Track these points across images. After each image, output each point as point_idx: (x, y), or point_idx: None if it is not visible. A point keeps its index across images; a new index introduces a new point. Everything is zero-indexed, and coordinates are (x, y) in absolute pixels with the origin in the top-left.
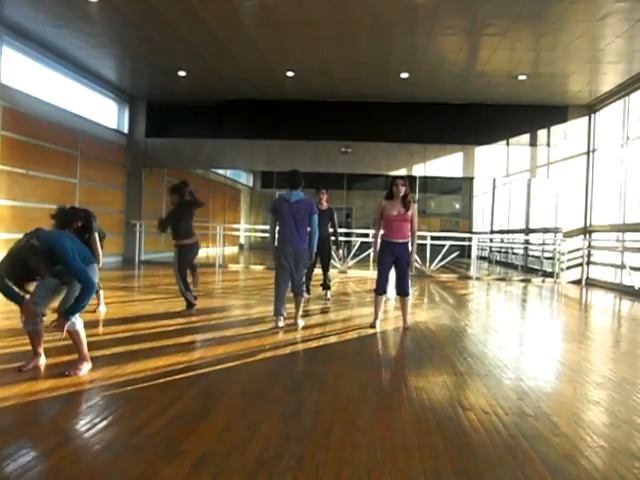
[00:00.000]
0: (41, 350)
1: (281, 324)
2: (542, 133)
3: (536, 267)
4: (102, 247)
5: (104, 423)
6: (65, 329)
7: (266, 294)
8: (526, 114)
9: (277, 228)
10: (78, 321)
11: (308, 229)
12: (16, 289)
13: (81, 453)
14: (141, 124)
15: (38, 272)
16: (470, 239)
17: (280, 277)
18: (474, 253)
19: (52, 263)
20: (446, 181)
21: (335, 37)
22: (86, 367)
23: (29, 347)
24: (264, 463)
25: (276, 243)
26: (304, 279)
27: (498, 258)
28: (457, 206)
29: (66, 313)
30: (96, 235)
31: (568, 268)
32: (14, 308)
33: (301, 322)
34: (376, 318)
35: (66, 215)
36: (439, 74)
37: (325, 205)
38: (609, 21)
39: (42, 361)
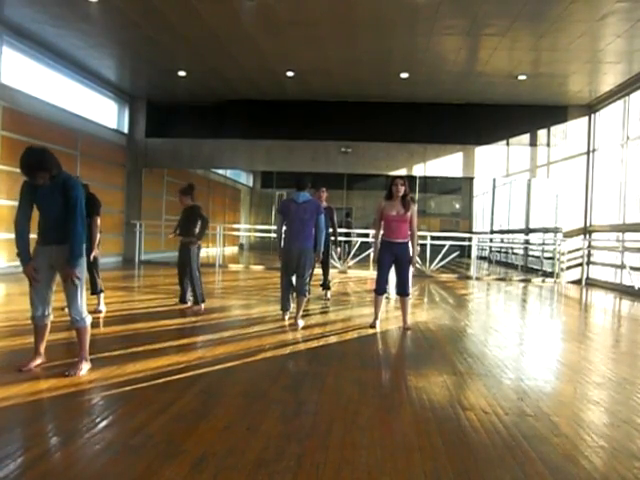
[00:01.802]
0: (42, 350)
1: (287, 317)
2: (542, 133)
3: (536, 267)
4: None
5: (104, 423)
6: (75, 274)
7: (266, 294)
8: (526, 114)
9: (284, 228)
10: (88, 318)
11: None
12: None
13: (81, 453)
14: (141, 124)
15: (46, 164)
16: (470, 239)
17: (285, 276)
18: (474, 253)
19: (61, 197)
20: (446, 181)
21: (335, 37)
22: (86, 367)
23: (29, 347)
24: (264, 463)
25: (283, 243)
26: (308, 279)
27: (498, 258)
28: (457, 206)
29: (73, 262)
30: (98, 220)
31: (568, 268)
32: (15, 308)
33: (301, 322)
34: (376, 318)
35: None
36: (439, 74)
37: (325, 204)
38: (609, 21)
39: (42, 361)
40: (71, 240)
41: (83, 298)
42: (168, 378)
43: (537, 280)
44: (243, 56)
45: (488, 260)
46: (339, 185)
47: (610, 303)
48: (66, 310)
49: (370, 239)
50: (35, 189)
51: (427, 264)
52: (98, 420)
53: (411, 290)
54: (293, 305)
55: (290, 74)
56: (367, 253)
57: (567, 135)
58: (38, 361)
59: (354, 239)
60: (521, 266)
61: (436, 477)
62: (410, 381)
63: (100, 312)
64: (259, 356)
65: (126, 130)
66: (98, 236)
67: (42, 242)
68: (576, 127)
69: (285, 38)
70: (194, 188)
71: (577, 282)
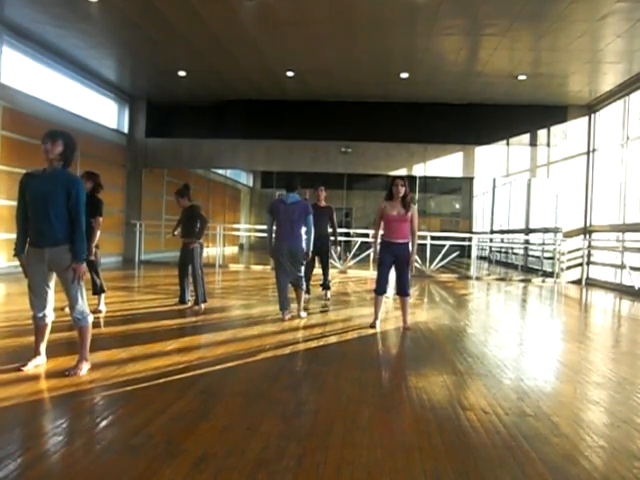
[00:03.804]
0: (42, 349)
1: (287, 317)
2: (542, 133)
3: (536, 267)
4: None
5: (104, 423)
6: (82, 271)
7: (266, 294)
8: (526, 114)
9: (274, 228)
10: (90, 317)
11: (304, 229)
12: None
13: (81, 453)
14: (141, 124)
15: (67, 137)
16: (470, 239)
17: (279, 274)
18: (474, 253)
19: (64, 193)
20: (446, 181)
21: (335, 37)
22: (85, 367)
23: (29, 347)
24: (264, 463)
25: (273, 243)
26: (303, 274)
27: (498, 258)
28: (457, 206)
29: (78, 257)
30: (100, 220)
31: (568, 268)
32: (15, 308)
33: (304, 313)
34: (376, 318)
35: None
36: (439, 74)
37: (324, 203)
38: (609, 21)
39: (42, 361)
40: (76, 237)
41: (84, 297)
42: (168, 378)
43: (537, 280)
44: (243, 56)
45: (488, 260)
46: (339, 185)
47: (610, 303)
48: (66, 310)
49: (370, 239)
50: (32, 181)
51: (427, 264)
52: (98, 420)
53: (411, 290)
54: (292, 305)
55: (290, 74)
56: (367, 253)
57: (567, 135)
58: (38, 361)
59: (354, 239)
60: (521, 266)
61: (436, 477)
62: (410, 381)
63: (100, 312)
64: (259, 356)
65: (126, 130)
66: (97, 235)
67: (35, 244)
68: (576, 127)
69: (285, 38)
70: (189, 188)
71: (577, 282)
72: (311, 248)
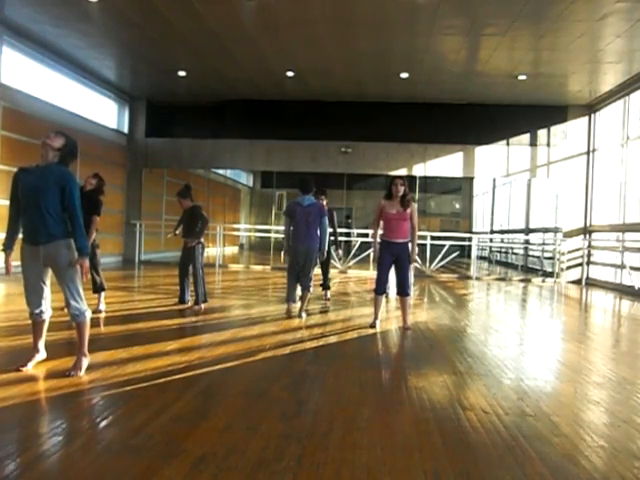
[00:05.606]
0: (41, 346)
1: (292, 306)
2: (542, 133)
3: (536, 267)
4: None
5: (104, 423)
6: (87, 267)
7: (266, 294)
8: (526, 114)
9: (291, 229)
10: (87, 313)
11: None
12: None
13: (81, 453)
14: (141, 124)
15: (69, 138)
16: (470, 239)
17: (292, 272)
18: (474, 253)
19: (57, 189)
20: (446, 181)
21: (335, 37)
22: (85, 362)
23: (29, 346)
24: (264, 463)
25: (290, 242)
26: (312, 276)
27: (498, 258)
28: (457, 206)
29: (82, 252)
30: (98, 219)
31: (568, 268)
32: (14, 308)
33: (304, 314)
34: (376, 318)
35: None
36: (439, 74)
37: (325, 208)
38: (609, 21)
39: (42, 357)
40: (76, 233)
41: (80, 293)
42: (168, 378)
43: (537, 280)
44: (243, 56)
45: (488, 260)
46: (339, 185)
47: (610, 303)
48: (66, 310)
49: (370, 239)
50: (25, 175)
51: (427, 264)
52: (98, 420)
53: (412, 290)
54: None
55: (290, 74)
56: (367, 253)
57: (567, 135)
58: (37, 358)
59: (354, 239)
60: (521, 266)
61: (436, 477)
62: (410, 381)
63: (100, 312)
64: (259, 356)
65: (126, 130)
66: (93, 236)
67: (29, 241)
68: (576, 127)
69: (285, 38)
70: (190, 188)
71: (577, 282)
72: (326, 248)
